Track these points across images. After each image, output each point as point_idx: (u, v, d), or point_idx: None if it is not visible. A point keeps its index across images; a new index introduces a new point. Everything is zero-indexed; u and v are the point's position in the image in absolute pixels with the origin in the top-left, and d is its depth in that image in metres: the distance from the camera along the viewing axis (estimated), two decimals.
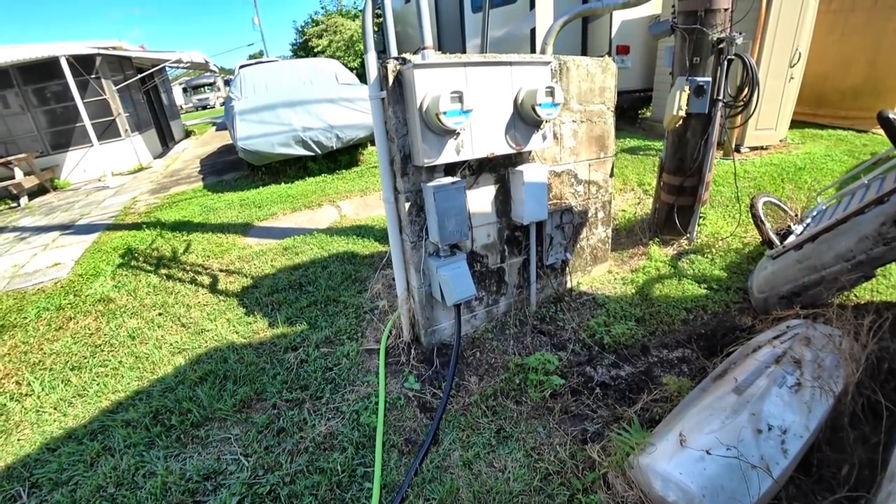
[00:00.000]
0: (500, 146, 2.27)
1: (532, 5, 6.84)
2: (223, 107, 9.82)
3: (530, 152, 2.55)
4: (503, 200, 2.58)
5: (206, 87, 36.79)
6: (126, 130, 9.69)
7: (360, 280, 3.42)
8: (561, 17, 3.21)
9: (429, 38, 2.06)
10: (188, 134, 15.46)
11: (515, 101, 2.26)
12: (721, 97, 3.16)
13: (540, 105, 2.19)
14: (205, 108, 35.12)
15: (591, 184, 3.06)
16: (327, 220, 4.81)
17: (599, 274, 3.37)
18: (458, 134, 2.07)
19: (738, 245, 3.57)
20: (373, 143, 7.25)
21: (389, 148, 2.20)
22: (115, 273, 4.09)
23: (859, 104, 7.67)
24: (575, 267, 3.20)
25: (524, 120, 2.31)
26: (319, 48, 11.54)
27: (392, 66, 2.05)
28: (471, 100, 1.96)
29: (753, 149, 6.49)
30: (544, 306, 2.99)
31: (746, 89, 3.12)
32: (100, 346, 3.03)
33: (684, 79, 3.07)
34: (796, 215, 3.68)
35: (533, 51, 7.05)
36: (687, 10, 3.03)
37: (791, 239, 2.84)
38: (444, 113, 1.89)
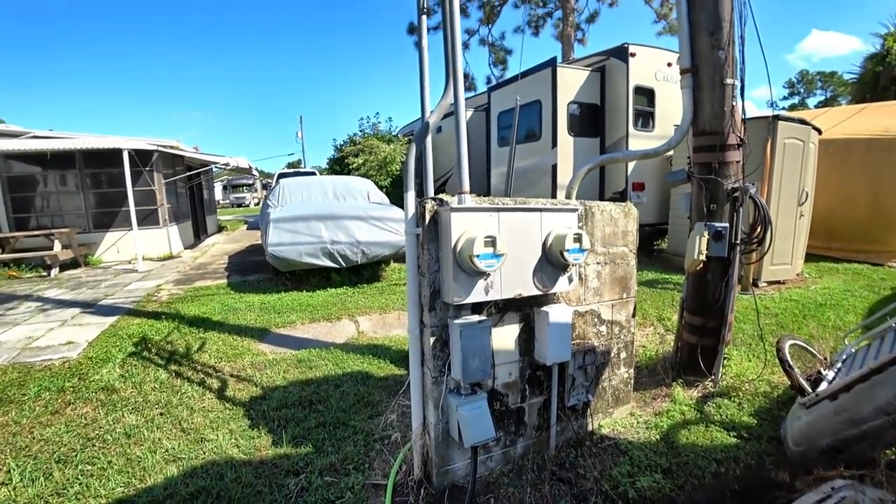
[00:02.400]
0: (528, 288, 2.32)
1: (554, 144, 7.44)
2: (258, 206, 10.45)
3: (555, 293, 2.58)
4: (527, 339, 2.57)
5: (244, 187, 39.51)
6: (165, 220, 10.28)
7: (373, 404, 3.31)
8: (585, 164, 3.47)
9: (466, 183, 2.22)
10: (220, 229, 16.26)
11: (544, 245, 2.35)
12: (738, 241, 3.27)
13: (568, 251, 2.28)
14: (240, 205, 37.43)
15: (613, 324, 3.05)
16: (345, 335, 4.80)
17: (621, 416, 3.21)
18: (489, 275, 2.13)
19: (766, 388, 3.45)
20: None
21: (420, 282, 2.26)
22: (125, 361, 4.06)
23: (871, 237, 7.91)
24: (596, 408, 3.06)
25: (552, 263, 2.38)
26: (354, 166, 12.45)
27: (430, 206, 2.19)
28: (502, 244, 2.05)
29: (771, 283, 6.53)
30: (564, 450, 2.82)
31: (759, 228, 3.24)
32: (92, 439, 2.91)
33: (703, 224, 3.20)
34: (825, 359, 3.57)
35: (554, 183, 7.52)
36: (702, 161, 3.25)
37: (823, 386, 2.76)
38: (478, 256, 1.97)
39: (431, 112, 2.40)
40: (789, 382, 3.32)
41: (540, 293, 2.39)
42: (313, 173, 19.26)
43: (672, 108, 7.83)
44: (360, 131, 14.12)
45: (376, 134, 13.82)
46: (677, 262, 7.27)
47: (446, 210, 2.12)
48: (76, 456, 2.74)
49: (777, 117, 5.99)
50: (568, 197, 3.19)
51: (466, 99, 13.64)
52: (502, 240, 2.06)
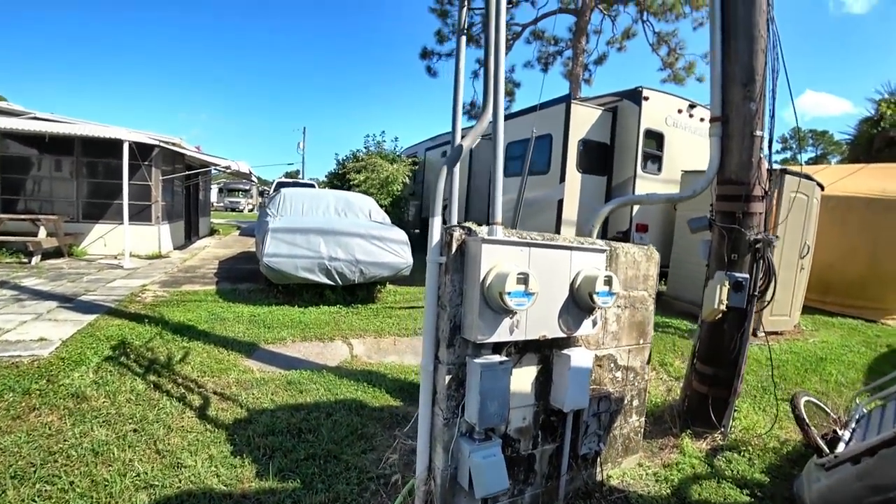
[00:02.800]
0: (553, 329, 2.19)
1: (562, 179, 7.42)
2: (252, 212, 10.18)
3: (577, 336, 2.45)
4: (543, 382, 2.41)
5: (240, 192, 39.20)
6: (158, 217, 10.03)
7: (367, 437, 3.10)
8: (608, 204, 3.39)
9: (499, 214, 2.09)
10: (213, 232, 15.95)
11: (572, 285, 2.23)
12: (756, 293, 3.20)
13: (598, 293, 2.16)
14: (234, 210, 37.00)
15: (629, 370, 2.92)
16: (337, 358, 4.58)
17: (630, 467, 3.05)
18: (515, 313, 1.99)
19: (776, 444, 3.37)
20: (392, 283, 7.32)
21: (438, 315, 2.11)
22: (100, 366, 3.81)
23: (866, 294, 8.07)
24: (606, 458, 2.90)
25: (578, 305, 2.26)
26: (355, 182, 12.35)
27: (457, 234, 2.06)
28: (534, 282, 1.91)
29: (769, 333, 6.50)
30: (573, 501, 2.64)
31: (763, 279, 3.22)
32: (55, 454, 2.65)
33: (724, 274, 3.11)
34: (838, 418, 3.49)
35: (559, 218, 7.47)
36: (725, 210, 3.19)
37: (841, 447, 2.72)
38: (509, 293, 1.84)
39: (464, 135, 2.29)
40: (803, 440, 3.25)
41: (564, 336, 2.25)
42: (312, 185, 19.13)
43: (679, 153, 7.90)
44: (365, 148, 14.08)
45: (380, 152, 13.78)
46: (677, 306, 7.20)
47: (476, 241, 1.99)
48: (35, 472, 2.47)
49: (784, 171, 6.03)
50: (589, 235, 3.09)
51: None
52: (533, 277, 1.92)
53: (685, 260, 7.16)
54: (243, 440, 2.97)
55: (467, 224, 2.14)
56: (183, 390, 3.60)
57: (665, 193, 3.32)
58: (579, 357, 2.32)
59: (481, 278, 1.93)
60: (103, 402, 3.30)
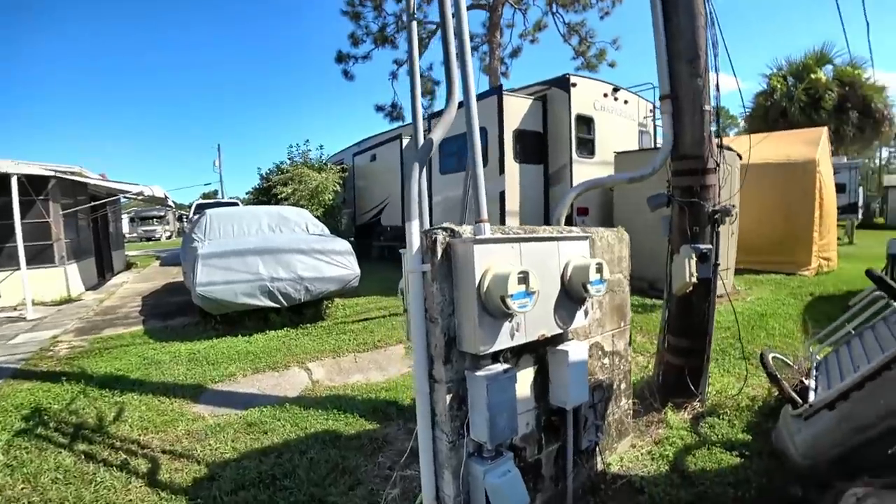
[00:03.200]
0: (551, 326, 2.04)
1: (501, 171, 7.39)
2: (170, 240, 9.24)
3: (571, 329, 2.33)
4: (541, 383, 2.27)
5: (154, 220, 36.16)
6: (62, 257, 8.88)
7: (350, 470, 2.80)
8: (572, 190, 3.31)
9: (484, 210, 1.91)
10: (130, 266, 14.49)
11: (563, 277, 2.10)
12: (718, 261, 3.29)
13: (591, 283, 2.04)
14: (150, 239, 34.02)
15: (614, 354, 2.86)
16: (297, 387, 4.20)
17: (625, 450, 3.01)
18: (513, 316, 1.82)
19: (747, 401, 3.51)
20: (339, 296, 6.94)
21: (429, 330, 1.89)
22: (12, 444, 3.20)
23: (784, 250, 8.98)
24: (603, 446, 2.82)
25: (570, 297, 2.13)
26: (283, 195, 11.70)
27: (441, 237, 1.85)
28: (534, 280, 1.75)
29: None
30: (582, 499, 2.53)
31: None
32: None
33: (690, 247, 3.14)
34: (800, 368, 3.66)
35: (502, 210, 7.43)
36: (683, 185, 3.23)
37: (812, 396, 2.83)
38: (512, 296, 1.66)
39: (430, 127, 2.08)
40: (775, 393, 3.39)
41: (560, 332, 2.11)
42: (236, 203, 17.95)
43: (609, 136, 8.16)
44: (289, 159, 13.39)
45: (306, 162, 13.16)
46: None
47: (465, 242, 1.79)
48: None
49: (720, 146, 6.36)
50: (557, 223, 3.00)
51: (401, 127, 13.52)
52: (533, 274, 1.76)
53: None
54: (209, 502, 2.58)
55: (447, 225, 1.93)
56: (124, 455, 3.09)
57: (626, 174, 3.31)
58: (576, 351, 2.20)
59: (477, 282, 1.74)
60: (21, 488, 2.73)
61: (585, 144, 7.86)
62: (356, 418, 3.49)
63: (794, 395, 3.02)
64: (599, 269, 2.08)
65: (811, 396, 2.87)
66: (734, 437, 3.06)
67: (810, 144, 9.16)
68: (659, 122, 9.68)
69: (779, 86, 16.29)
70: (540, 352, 2.24)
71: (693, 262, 3.07)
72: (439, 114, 8.96)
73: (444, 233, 1.87)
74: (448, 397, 1.87)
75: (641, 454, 2.98)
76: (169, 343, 5.48)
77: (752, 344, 4.89)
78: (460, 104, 2.01)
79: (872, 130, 15.59)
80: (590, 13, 16.01)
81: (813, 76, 15.89)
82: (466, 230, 1.91)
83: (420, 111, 2.32)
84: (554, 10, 16.06)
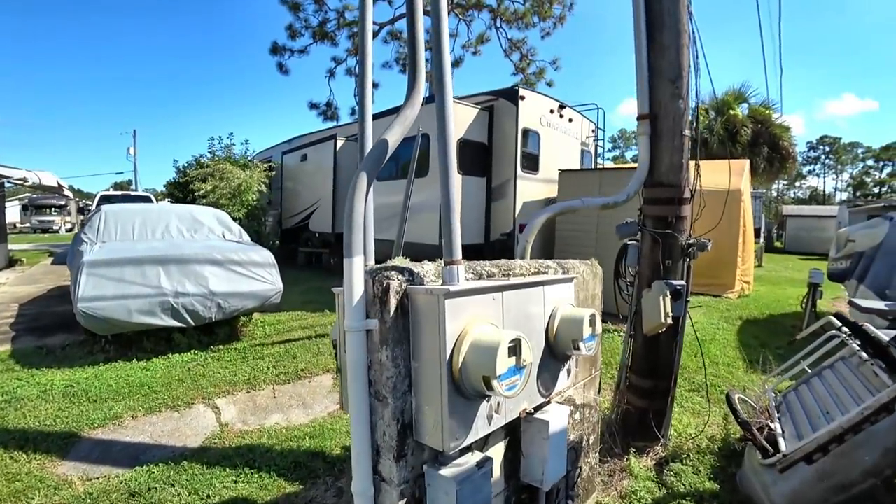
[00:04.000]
0: (533, 397, 1.59)
1: None
2: (71, 232, 7.85)
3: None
4: (512, 458, 1.80)
5: (53, 209, 31.77)
6: None
7: None
8: (541, 213, 2.91)
9: (458, 248, 1.41)
10: (12, 262, 12.30)
11: (548, 331, 1.65)
12: (689, 298, 3.05)
13: (584, 339, 1.61)
14: (46, 231, 29.76)
15: (585, 407, 2.47)
16: (201, 433, 3.43)
17: None
18: (492, 396, 1.34)
19: (707, 443, 3.37)
20: (260, 312, 6.15)
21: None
22: None
23: (710, 273, 9.17)
24: None
25: (555, 355, 1.69)
26: (201, 192, 10.50)
27: (395, 283, 1.33)
28: (526, 349, 1.28)
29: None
30: None
31: None
32: None
33: (663, 283, 2.85)
34: (758, 407, 3.54)
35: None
36: (656, 215, 2.95)
37: (783, 445, 2.68)
38: (500, 377, 1.18)
39: (390, 124, 1.57)
40: (738, 435, 3.24)
41: (543, 400, 1.67)
42: (148, 199, 16.03)
43: (553, 153, 8.01)
44: (210, 153, 12.12)
45: (229, 157, 11.98)
46: None
47: (430, 294, 1.29)
48: None
49: None
50: (522, 257, 2.57)
51: (336, 127, 12.74)
52: (524, 340, 1.29)
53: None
54: None
55: (404, 264, 1.42)
56: None
57: (600, 199, 2.97)
58: (557, 418, 1.76)
59: (448, 353, 1.24)
60: None
61: (530, 160, 7.63)
62: (273, 478, 2.83)
63: (765, 443, 2.88)
64: (592, 322, 1.67)
65: (781, 443, 2.73)
66: (703, 488, 2.86)
67: (737, 174, 9.60)
68: (600, 141, 9.77)
69: (701, 118, 17.42)
70: (512, 422, 1.78)
71: (668, 300, 2.78)
72: (379, 116, 8.41)
73: (400, 276, 1.36)
74: (401, 503, 1.34)
75: None
76: (41, 370, 4.43)
77: (697, 374, 4.78)
78: (426, 99, 1.51)
79: (780, 165, 16.99)
80: (532, 32, 16.19)
81: (731, 112, 17.10)
82: (429, 271, 1.41)
83: (370, 106, 1.80)
84: (498, 24, 16.07)
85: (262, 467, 2.93)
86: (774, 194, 47.26)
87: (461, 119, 7.16)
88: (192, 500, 2.58)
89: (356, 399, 1.35)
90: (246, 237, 6.76)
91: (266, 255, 5.71)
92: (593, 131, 9.29)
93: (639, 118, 2.90)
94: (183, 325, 4.83)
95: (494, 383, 1.18)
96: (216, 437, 3.34)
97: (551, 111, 7.86)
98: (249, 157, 12.96)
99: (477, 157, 7.55)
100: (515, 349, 1.24)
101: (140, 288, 4.66)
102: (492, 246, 7.68)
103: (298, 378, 4.47)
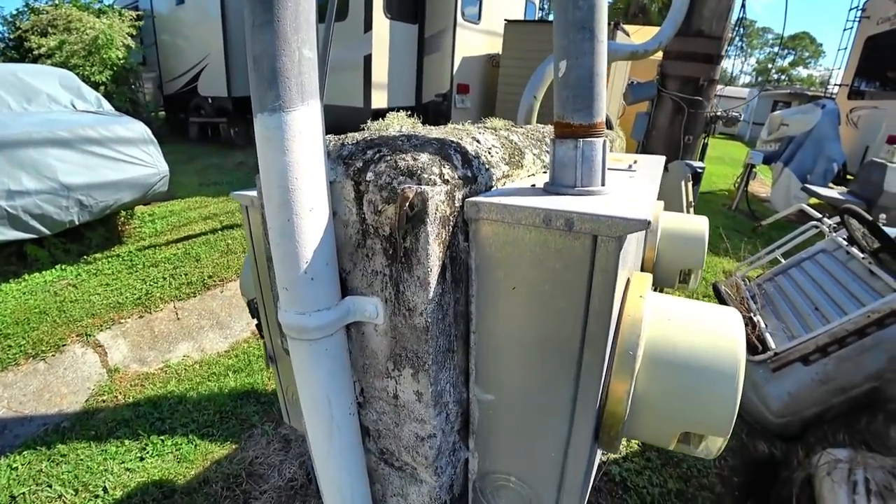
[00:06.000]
0: None
1: (368, 27, 5.54)
2: None
3: None
4: None
5: None
6: None
7: None
8: (545, 64, 2.00)
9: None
10: None
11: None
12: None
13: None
14: None
15: None
16: (83, 388, 2.54)
17: None
18: None
19: None
20: (146, 204, 4.91)
21: None
22: None
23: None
24: None
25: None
26: (43, 51, 7.95)
27: (443, 190, 0.56)
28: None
29: None
30: None
31: None
32: None
33: (684, 164, 2.27)
34: (736, 297, 3.42)
35: (367, 80, 5.77)
36: (685, 75, 2.23)
37: (769, 339, 2.63)
38: None
39: None
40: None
41: None
42: None
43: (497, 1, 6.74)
44: None
45: (76, 2, 9.01)
46: None
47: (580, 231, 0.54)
48: None
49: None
50: (528, 121, 1.79)
51: None
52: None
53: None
54: None
55: (423, 129, 0.64)
56: None
57: (627, 45, 2.15)
58: None
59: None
60: None
61: (472, 4, 6.34)
62: (194, 442, 2.16)
63: (754, 339, 2.75)
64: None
65: (769, 340, 2.61)
66: None
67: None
68: None
69: None
70: None
71: (690, 184, 2.23)
72: None
73: (449, 169, 0.60)
74: None
75: None
76: None
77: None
78: None
79: None
80: None
81: None
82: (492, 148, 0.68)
83: None
84: None
85: (177, 428, 2.22)
86: None
87: None
88: (82, 501, 1.84)
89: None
90: (108, 106, 5.11)
91: (138, 129, 4.32)
92: None
93: None
94: (33, 237, 3.59)
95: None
96: (105, 391, 2.51)
97: None
98: (107, 3, 9.85)
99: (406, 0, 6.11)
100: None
101: None
102: (424, 109, 6.63)
103: (206, 288, 3.60)
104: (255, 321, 1.02)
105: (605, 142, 0.64)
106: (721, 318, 0.62)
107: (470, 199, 0.62)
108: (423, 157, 0.60)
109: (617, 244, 0.51)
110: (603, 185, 0.64)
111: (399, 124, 0.81)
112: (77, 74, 5.82)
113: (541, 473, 0.64)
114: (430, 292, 0.59)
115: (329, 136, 0.68)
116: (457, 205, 0.61)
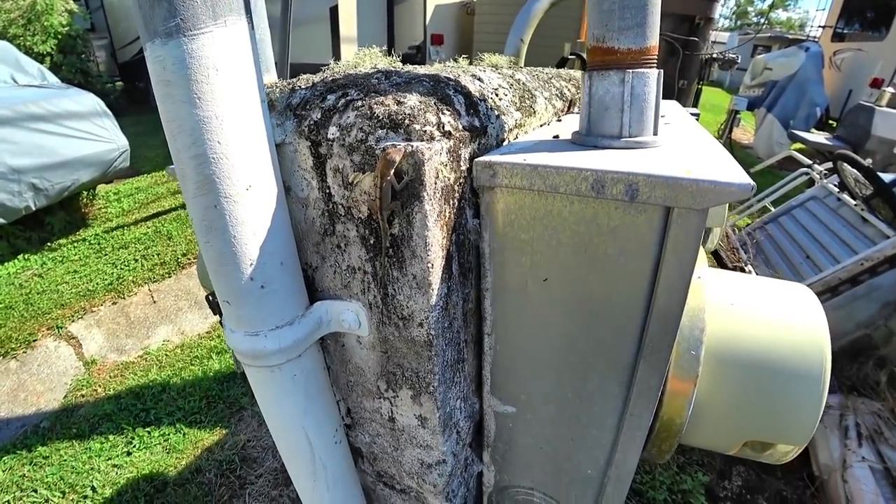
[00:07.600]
0: None
1: None
2: None
3: None
4: None
5: None
6: None
7: None
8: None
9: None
10: None
11: None
12: None
13: None
14: None
15: None
16: (59, 383, 2.41)
17: None
18: None
19: None
20: (107, 182, 4.61)
21: None
22: None
23: None
24: None
25: None
26: None
27: (443, 146, 0.43)
28: None
29: None
30: None
31: None
32: None
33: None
34: (722, 246, 3.40)
35: (336, 36, 5.41)
36: (681, 13, 2.07)
37: None
38: None
39: None
40: None
41: None
42: None
43: None
44: None
45: None
46: None
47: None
48: None
49: None
50: (515, 62, 1.64)
51: None
52: None
53: None
54: None
55: (433, 69, 0.50)
56: None
57: None
58: None
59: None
60: None
61: None
62: (182, 431, 2.07)
63: None
64: None
65: None
66: None
67: None
68: None
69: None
70: None
71: None
72: None
73: (449, 115, 0.46)
74: None
75: None
76: None
77: None
78: None
79: None
80: None
81: None
82: (501, 92, 0.53)
83: None
84: None
85: (163, 418, 2.13)
86: None
87: None
88: (70, 503, 1.75)
89: None
90: (53, 79, 4.71)
91: (88, 102, 4.00)
92: None
93: None
94: None
95: None
96: (83, 385, 2.39)
97: None
98: None
99: None
100: None
101: None
102: None
103: (181, 266, 3.44)
104: (218, 318, 0.89)
105: (660, 74, 0.48)
106: (794, 299, 0.52)
107: (480, 158, 0.46)
108: (412, 100, 0.42)
109: (699, 219, 0.40)
110: (655, 134, 0.49)
111: (372, 61, 0.66)
112: (17, 46, 5.34)
113: (573, 491, 0.55)
114: (431, 296, 0.45)
115: (273, 80, 0.52)
116: (463, 167, 0.45)
